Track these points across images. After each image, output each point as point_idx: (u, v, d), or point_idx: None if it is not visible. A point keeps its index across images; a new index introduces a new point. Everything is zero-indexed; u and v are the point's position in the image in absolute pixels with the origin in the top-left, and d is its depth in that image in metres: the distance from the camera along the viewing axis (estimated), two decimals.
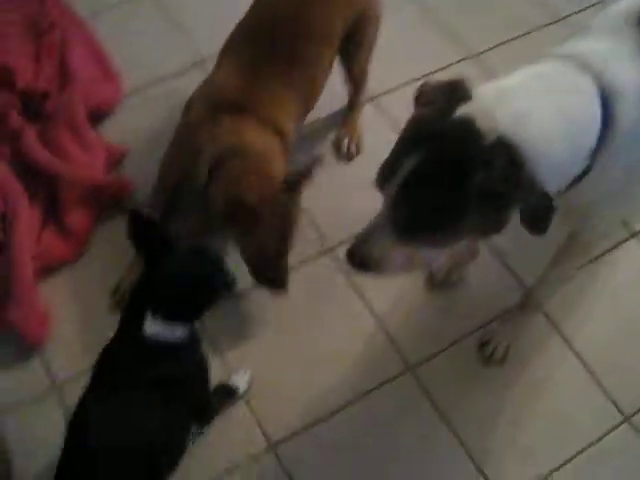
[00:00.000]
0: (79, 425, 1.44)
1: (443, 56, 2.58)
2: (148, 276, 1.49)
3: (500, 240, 1.90)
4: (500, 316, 2.02)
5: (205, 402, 1.69)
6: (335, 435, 1.85)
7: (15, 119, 2.27)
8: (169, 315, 1.44)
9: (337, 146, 2.36)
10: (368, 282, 1.98)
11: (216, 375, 1.72)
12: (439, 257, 1.27)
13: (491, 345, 1.95)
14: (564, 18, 2.72)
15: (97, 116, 2.35)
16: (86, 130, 2.27)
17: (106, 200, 2.16)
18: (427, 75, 2.51)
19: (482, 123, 1.11)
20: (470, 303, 2.07)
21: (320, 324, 1.92)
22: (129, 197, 2.19)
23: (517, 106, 1.14)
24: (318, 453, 1.83)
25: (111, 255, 2.09)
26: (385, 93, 2.49)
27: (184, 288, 1.44)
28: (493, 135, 1.10)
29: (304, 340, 1.96)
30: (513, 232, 1.24)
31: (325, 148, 2.36)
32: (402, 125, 2.51)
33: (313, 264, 2.09)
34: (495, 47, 2.62)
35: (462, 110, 1.14)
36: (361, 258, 1.23)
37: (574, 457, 1.84)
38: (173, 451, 1.54)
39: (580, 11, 2.73)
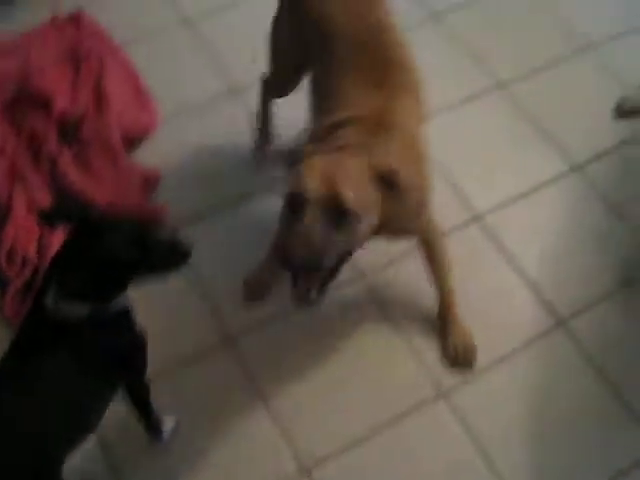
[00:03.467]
0: None
1: None
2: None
3: None
4: None
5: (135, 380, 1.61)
6: None
7: (53, 144, 2.31)
8: (68, 291, 1.35)
9: (447, 356, 1.99)
10: None
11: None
12: None
13: None
14: None
15: (133, 142, 2.39)
16: (121, 155, 2.32)
17: None
18: None
19: None
20: None
21: None
22: (163, 223, 2.22)
23: None
24: None
25: None
26: None
27: (83, 265, 1.34)
28: None
29: None
30: None
31: None
32: None
33: None
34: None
35: None
36: None
37: None
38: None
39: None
